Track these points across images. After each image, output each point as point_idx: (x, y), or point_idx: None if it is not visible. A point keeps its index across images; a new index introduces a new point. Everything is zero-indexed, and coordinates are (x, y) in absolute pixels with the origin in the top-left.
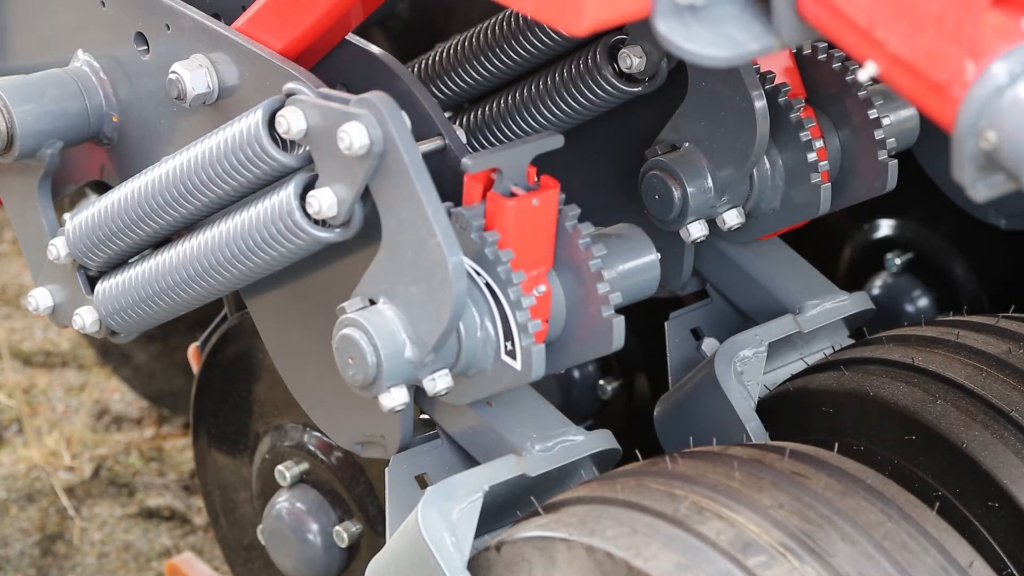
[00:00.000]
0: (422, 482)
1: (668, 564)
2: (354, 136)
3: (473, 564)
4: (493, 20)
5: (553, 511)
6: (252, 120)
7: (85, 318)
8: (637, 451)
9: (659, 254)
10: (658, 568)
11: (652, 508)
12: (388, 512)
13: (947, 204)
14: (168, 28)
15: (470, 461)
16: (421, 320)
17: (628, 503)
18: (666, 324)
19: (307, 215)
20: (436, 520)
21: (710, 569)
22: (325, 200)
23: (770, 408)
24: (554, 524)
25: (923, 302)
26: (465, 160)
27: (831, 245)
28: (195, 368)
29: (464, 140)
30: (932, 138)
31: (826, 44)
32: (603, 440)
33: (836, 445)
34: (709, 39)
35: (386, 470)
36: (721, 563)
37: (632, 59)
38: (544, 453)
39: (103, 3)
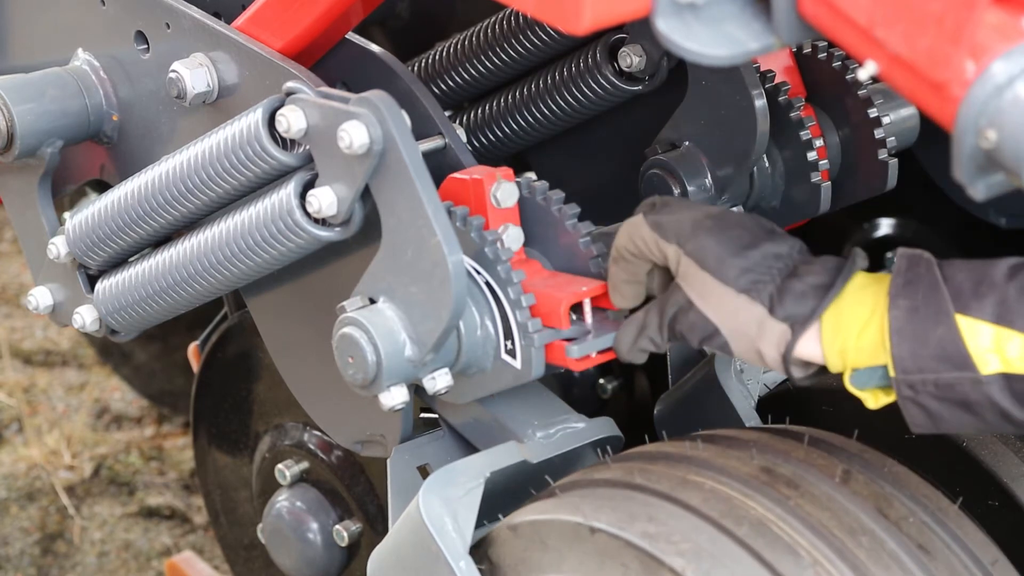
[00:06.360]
0: (424, 473)
1: None
2: (354, 135)
3: (556, 537)
4: (493, 19)
5: (654, 506)
6: (252, 119)
7: (85, 317)
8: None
9: None
10: None
11: (773, 566)
12: (390, 504)
13: (947, 203)
14: (168, 27)
15: (472, 451)
16: (421, 319)
17: (743, 543)
18: None
19: (307, 214)
20: (437, 506)
21: None
22: (325, 199)
23: (770, 407)
24: (664, 544)
25: None
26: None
27: (831, 244)
28: (195, 367)
29: (464, 139)
30: (932, 137)
31: (826, 43)
32: (605, 427)
33: (960, 501)
34: (709, 38)
35: (388, 461)
36: None
37: (632, 58)
38: (545, 440)
39: (103, 2)
